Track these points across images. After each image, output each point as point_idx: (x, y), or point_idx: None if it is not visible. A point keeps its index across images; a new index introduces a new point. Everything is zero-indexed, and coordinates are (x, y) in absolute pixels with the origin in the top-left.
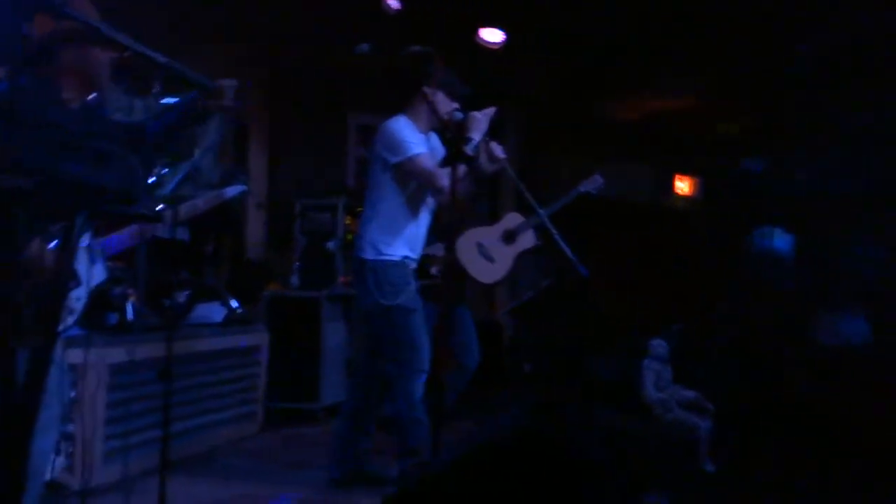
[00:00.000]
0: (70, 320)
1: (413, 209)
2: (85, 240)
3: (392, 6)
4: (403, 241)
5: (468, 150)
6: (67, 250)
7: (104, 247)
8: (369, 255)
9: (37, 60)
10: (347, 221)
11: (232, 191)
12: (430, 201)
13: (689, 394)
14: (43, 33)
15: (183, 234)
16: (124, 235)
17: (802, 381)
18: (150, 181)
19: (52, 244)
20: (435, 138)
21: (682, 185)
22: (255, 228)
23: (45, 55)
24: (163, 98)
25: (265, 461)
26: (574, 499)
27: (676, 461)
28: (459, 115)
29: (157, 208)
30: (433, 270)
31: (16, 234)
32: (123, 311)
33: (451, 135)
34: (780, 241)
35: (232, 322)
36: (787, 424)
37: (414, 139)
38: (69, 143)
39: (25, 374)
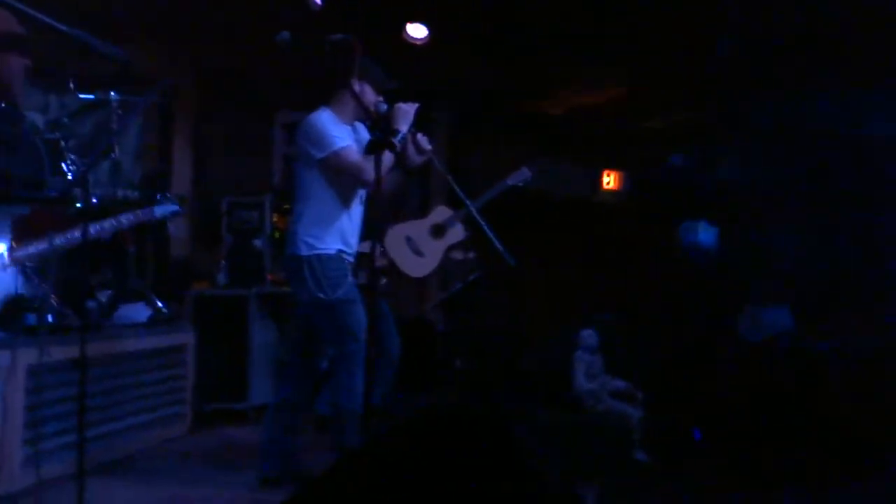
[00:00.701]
0: None
1: (343, 202)
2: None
3: (316, 2)
4: (336, 235)
5: (395, 141)
6: None
7: (21, 256)
8: (303, 251)
9: None
10: (274, 219)
11: (161, 210)
12: (361, 193)
13: (620, 383)
14: None
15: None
16: (38, 247)
17: (731, 369)
18: (67, 173)
19: None
20: (362, 129)
21: (609, 180)
22: (179, 227)
23: None
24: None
25: (194, 462)
26: (504, 487)
27: (608, 451)
28: (384, 106)
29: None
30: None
31: None
32: (42, 313)
33: (377, 125)
34: (705, 234)
35: (157, 322)
36: (718, 412)
37: (338, 132)
38: None
39: None
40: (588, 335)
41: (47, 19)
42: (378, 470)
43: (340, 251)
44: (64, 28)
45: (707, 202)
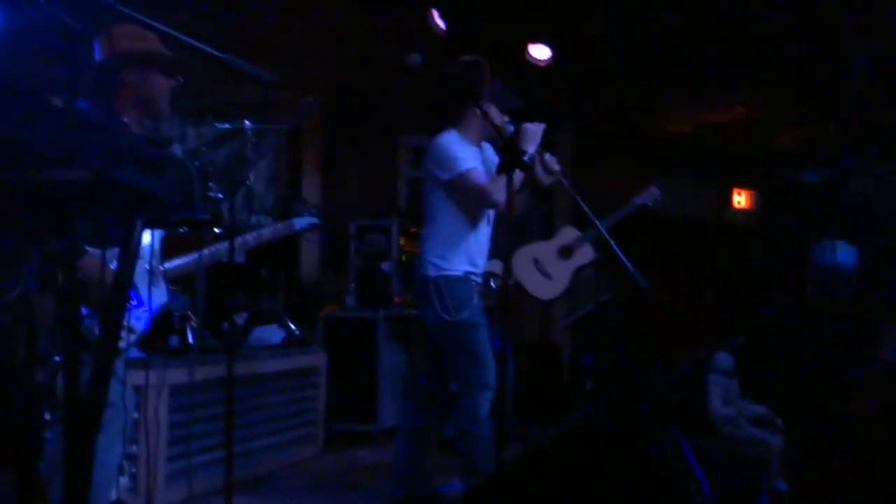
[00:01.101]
0: (132, 338)
1: (470, 223)
2: (147, 262)
3: (440, 26)
4: (464, 256)
5: (524, 159)
6: (127, 256)
7: (166, 269)
8: (431, 272)
9: (99, 81)
10: (402, 242)
11: (301, 223)
12: (489, 214)
13: (759, 409)
14: (105, 55)
15: (239, 256)
16: (186, 259)
17: (871, 396)
18: (210, 194)
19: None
20: (489, 149)
21: (741, 199)
22: (309, 250)
23: (107, 76)
24: (215, 125)
25: (326, 483)
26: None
27: (747, 479)
28: (511, 127)
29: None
30: (493, 283)
31: (74, 229)
32: (184, 334)
33: (506, 146)
34: (843, 254)
35: (290, 344)
36: (861, 438)
37: (464, 154)
38: (126, 149)
39: (87, 385)
40: (723, 358)
41: (197, 43)
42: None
43: (468, 272)
44: (212, 51)
45: (843, 220)
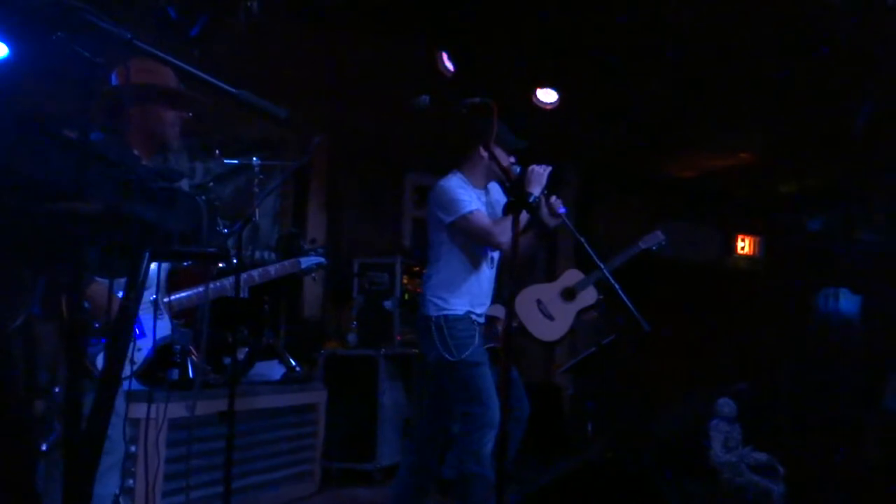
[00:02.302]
0: (133, 370)
1: (473, 265)
2: (152, 293)
3: (448, 68)
4: (466, 297)
5: (530, 202)
6: (133, 288)
7: (171, 302)
8: (432, 311)
9: (112, 114)
10: (404, 281)
11: (307, 262)
12: (493, 256)
13: (761, 456)
14: (117, 85)
15: (242, 291)
16: (191, 293)
17: (875, 445)
18: (223, 231)
19: (120, 294)
20: (496, 190)
21: (745, 245)
22: (312, 287)
23: (118, 109)
24: (223, 160)
25: None
26: None
27: None
28: (517, 168)
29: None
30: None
31: (82, 259)
32: (185, 368)
33: (512, 185)
34: (847, 302)
35: (290, 380)
36: (864, 487)
37: (467, 197)
38: (136, 183)
39: (88, 416)
40: (725, 403)
41: (212, 79)
42: None
43: (469, 313)
44: (227, 87)
45: (847, 268)
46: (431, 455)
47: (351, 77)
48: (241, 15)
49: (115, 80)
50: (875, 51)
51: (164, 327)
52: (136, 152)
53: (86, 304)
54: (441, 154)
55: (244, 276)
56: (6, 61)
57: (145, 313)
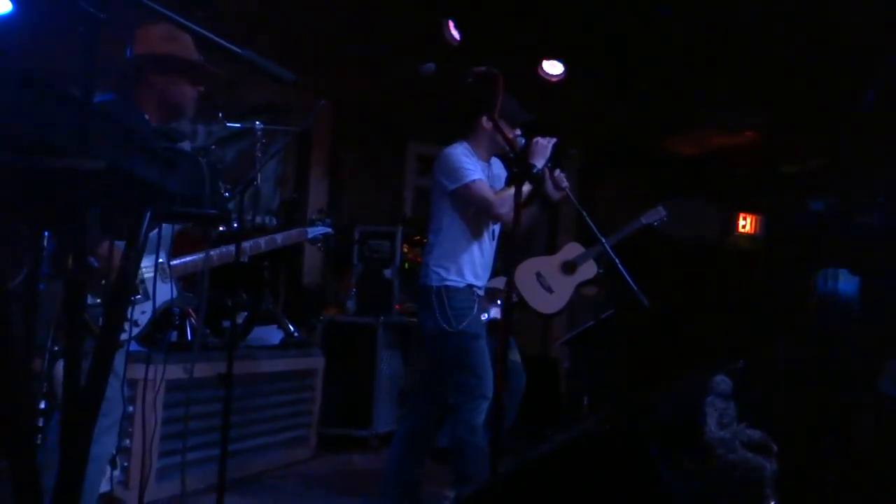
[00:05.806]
0: (134, 332)
1: (475, 235)
2: (159, 257)
3: (454, 37)
4: (467, 268)
5: (533, 172)
6: (133, 249)
7: (174, 266)
8: (434, 281)
9: (125, 77)
10: (405, 250)
11: (314, 231)
12: (494, 228)
13: (755, 433)
14: (136, 53)
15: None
16: (195, 257)
17: (870, 426)
18: (224, 193)
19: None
20: (498, 164)
21: (746, 224)
22: (312, 253)
23: (133, 73)
24: (226, 124)
25: (317, 486)
26: None
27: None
28: (522, 140)
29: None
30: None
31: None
32: (183, 330)
33: (515, 159)
34: (846, 283)
35: (288, 345)
36: (857, 469)
37: (471, 166)
38: (139, 142)
39: (86, 376)
40: (721, 381)
41: (220, 40)
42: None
43: (470, 285)
44: (236, 49)
45: (848, 250)
46: (428, 424)
47: (356, 44)
48: None
49: (130, 44)
50: (881, 31)
51: (167, 290)
52: (146, 117)
53: (94, 263)
54: (447, 125)
55: (250, 243)
56: (10, 17)
57: (149, 277)
